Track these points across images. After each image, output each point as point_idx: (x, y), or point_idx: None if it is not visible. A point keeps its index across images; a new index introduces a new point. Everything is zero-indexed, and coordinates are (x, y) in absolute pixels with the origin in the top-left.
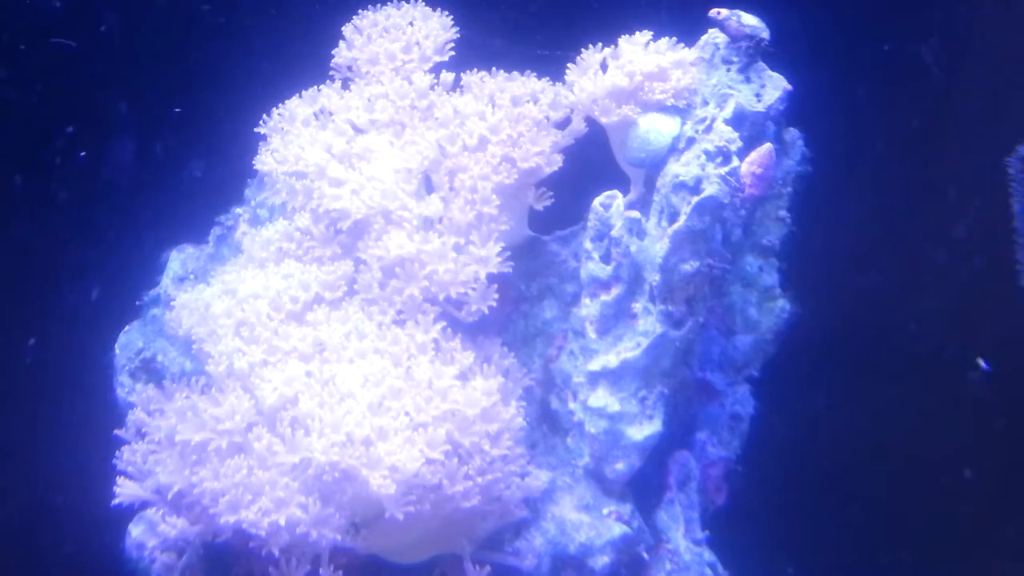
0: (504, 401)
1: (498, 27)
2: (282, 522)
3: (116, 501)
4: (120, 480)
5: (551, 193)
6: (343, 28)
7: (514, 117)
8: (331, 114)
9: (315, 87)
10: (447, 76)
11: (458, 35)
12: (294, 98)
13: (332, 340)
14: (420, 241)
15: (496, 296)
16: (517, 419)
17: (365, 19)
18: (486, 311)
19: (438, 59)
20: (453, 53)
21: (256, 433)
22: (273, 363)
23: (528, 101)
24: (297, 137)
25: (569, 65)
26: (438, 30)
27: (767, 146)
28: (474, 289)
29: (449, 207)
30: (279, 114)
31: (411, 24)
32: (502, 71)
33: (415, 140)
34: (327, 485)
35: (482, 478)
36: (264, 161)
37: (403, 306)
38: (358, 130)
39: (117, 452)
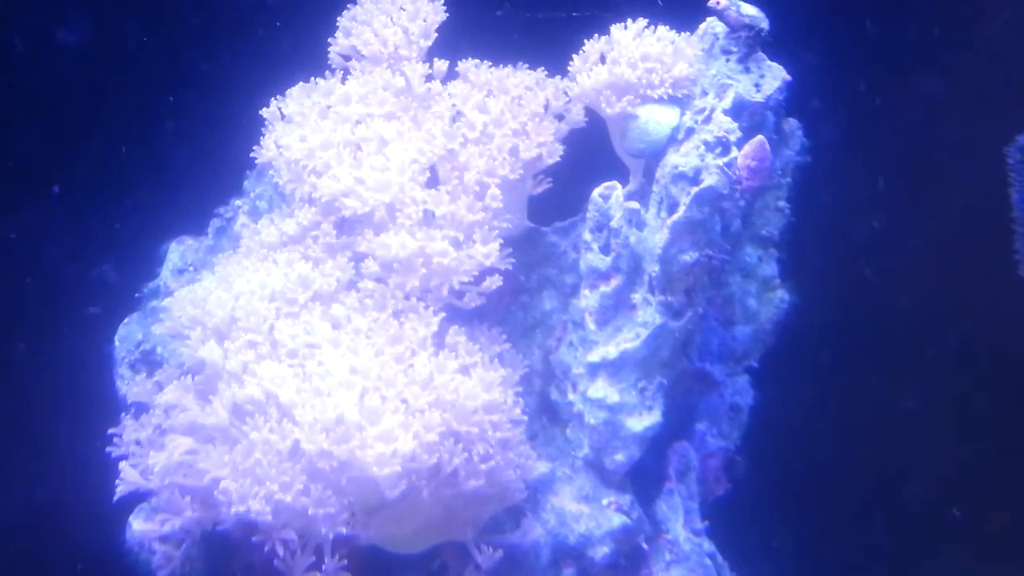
0: (503, 390)
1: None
2: (289, 499)
3: (118, 493)
4: (122, 467)
5: (549, 179)
6: (339, 18)
7: (515, 109)
8: (329, 105)
9: (314, 78)
10: (443, 64)
11: (447, 14)
12: (294, 87)
13: (329, 334)
14: (424, 236)
15: (500, 281)
16: (515, 409)
17: (361, 7)
18: (483, 300)
19: (425, 44)
20: (448, 40)
21: (252, 424)
22: (268, 358)
23: (528, 91)
24: (298, 126)
25: (573, 56)
26: (431, 17)
27: (758, 138)
28: (474, 282)
29: (453, 202)
30: (279, 103)
31: (403, 9)
32: (499, 65)
33: (416, 132)
34: (322, 473)
35: (485, 464)
36: (265, 149)
37: (404, 299)
38: (358, 120)
39: (114, 440)
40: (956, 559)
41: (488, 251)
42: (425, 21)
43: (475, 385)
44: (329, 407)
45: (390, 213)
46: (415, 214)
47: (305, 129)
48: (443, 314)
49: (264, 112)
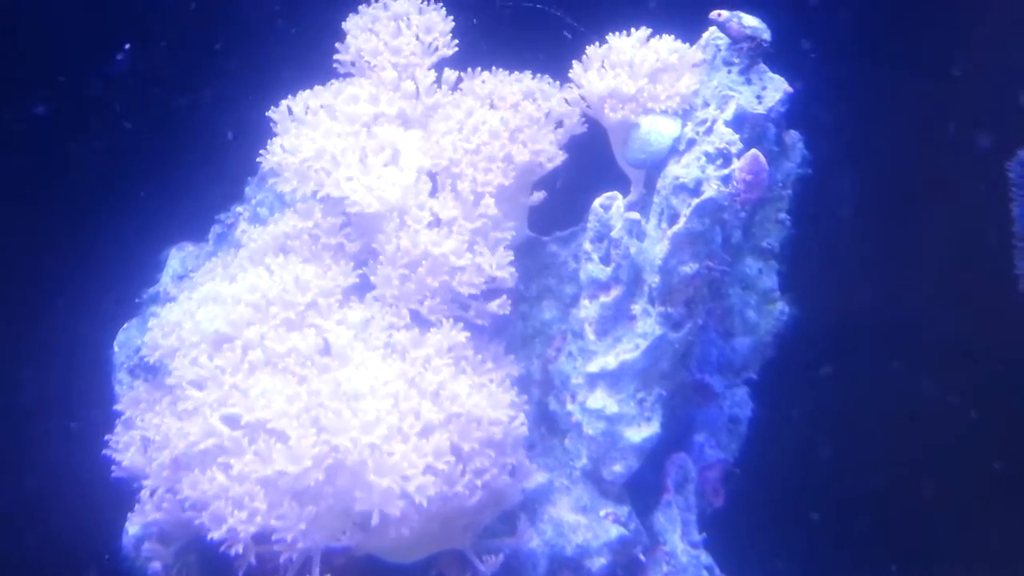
0: (508, 409)
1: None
2: (252, 530)
3: (115, 472)
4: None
5: (557, 180)
6: (345, 24)
7: (511, 116)
8: (335, 109)
9: (320, 83)
10: (450, 73)
11: (454, 24)
12: (303, 92)
13: (336, 342)
14: (432, 240)
15: (509, 302)
16: (519, 420)
17: (366, 14)
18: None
19: (444, 53)
20: (457, 48)
21: (238, 444)
22: (263, 372)
23: (528, 100)
24: (307, 130)
25: (573, 62)
26: (438, 24)
27: (751, 152)
28: (481, 291)
29: (453, 210)
30: (288, 106)
31: (409, 18)
32: (502, 70)
33: (422, 140)
34: (319, 490)
35: (481, 479)
36: (271, 154)
37: (411, 304)
38: (366, 125)
39: (110, 441)
40: (957, 569)
41: (497, 260)
42: (431, 30)
43: (484, 402)
44: (329, 428)
45: (399, 218)
46: (424, 220)
47: (315, 132)
48: (461, 325)
49: (272, 113)
